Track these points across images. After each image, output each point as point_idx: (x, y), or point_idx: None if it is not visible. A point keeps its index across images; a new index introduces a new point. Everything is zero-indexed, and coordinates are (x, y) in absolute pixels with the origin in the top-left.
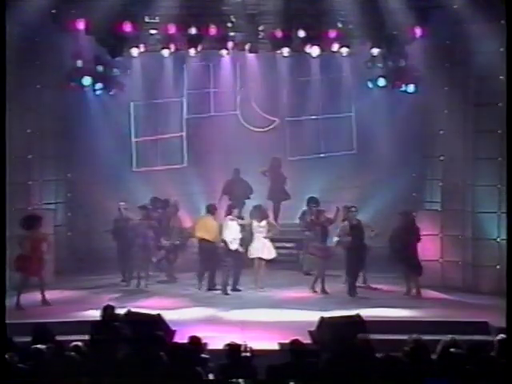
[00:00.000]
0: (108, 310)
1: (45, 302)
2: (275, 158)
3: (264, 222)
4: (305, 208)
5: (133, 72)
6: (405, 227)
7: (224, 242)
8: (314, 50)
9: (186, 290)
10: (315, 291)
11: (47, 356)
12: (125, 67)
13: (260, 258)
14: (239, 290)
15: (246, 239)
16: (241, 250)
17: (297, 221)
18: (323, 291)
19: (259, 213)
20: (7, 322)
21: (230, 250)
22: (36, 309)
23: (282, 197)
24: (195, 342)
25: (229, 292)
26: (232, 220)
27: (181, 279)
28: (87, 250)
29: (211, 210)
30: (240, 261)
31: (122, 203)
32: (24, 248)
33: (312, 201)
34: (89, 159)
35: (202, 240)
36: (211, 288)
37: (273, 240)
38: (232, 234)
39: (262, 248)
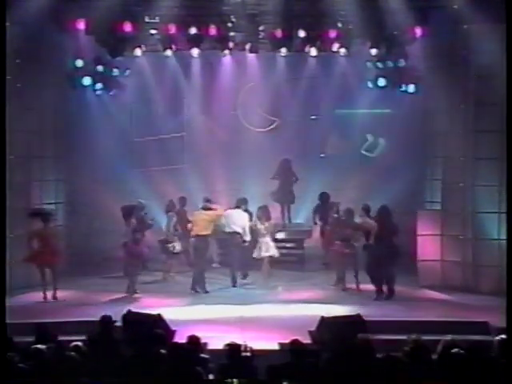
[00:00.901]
0: (105, 321)
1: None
2: (285, 159)
3: (268, 224)
4: (318, 202)
5: (133, 72)
6: (384, 225)
7: (236, 232)
8: (314, 50)
9: (185, 289)
10: (346, 288)
11: (47, 356)
12: (125, 67)
13: (264, 258)
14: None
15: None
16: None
17: (297, 221)
18: (357, 287)
19: (265, 214)
20: (7, 321)
21: (243, 240)
22: (36, 309)
23: (290, 199)
24: (194, 341)
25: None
26: (245, 211)
27: (181, 278)
28: (87, 249)
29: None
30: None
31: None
32: (37, 242)
33: (324, 196)
34: (89, 159)
35: (196, 236)
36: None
37: (276, 240)
38: (245, 224)
39: (267, 248)
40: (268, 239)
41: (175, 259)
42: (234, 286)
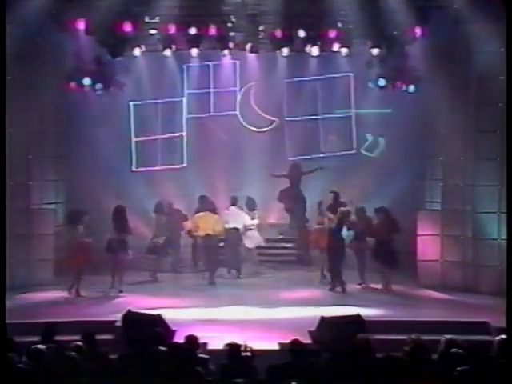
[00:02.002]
0: (88, 338)
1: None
2: (295, 163)
3: (255, 213)
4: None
5: (133, 72)
6: (381, 223)
7: (235, 229)
8: (314, 50)
9: (186, 289)
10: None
11: (47, 356)
12: (125, 67)
13: (251, 248)
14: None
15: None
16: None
17: None
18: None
19: (252, 204)
20: (7, 321)
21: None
22: (37, 308)
23: (301, 205)
24: (192, 341)
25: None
26: (240, 209)
27: (181, 279)
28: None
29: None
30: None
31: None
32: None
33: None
34: (89, 159)
35: (206, 236)
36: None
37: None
38: (246, 222)
39: (252, 237)
40: (254, 230)
41: (162, 258)
42: (239, 278)
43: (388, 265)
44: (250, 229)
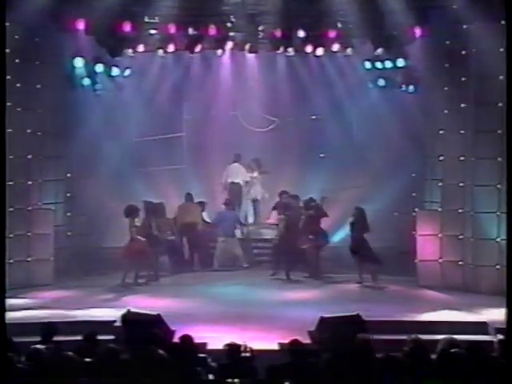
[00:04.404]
0: (90, 337)
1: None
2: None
3: (259, 172)
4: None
5: (133, 72)
6: (358, 221)
7: (236, 183)
8: (319, 51)
9: (185, 289)
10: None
11: (47, 356)
12: (125, 67)
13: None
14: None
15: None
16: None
17: None
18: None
19: (256, 164)
20: (7, 322)
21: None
22: (37, 309)
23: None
24: (187, 341)
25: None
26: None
27: (180, 278)
28: (87, 249)
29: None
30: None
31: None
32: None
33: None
34: (89, 159)
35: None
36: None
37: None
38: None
39: (256, 193)
40: (258, 186)
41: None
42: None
43: (371, 261)
44: (252, 182)
